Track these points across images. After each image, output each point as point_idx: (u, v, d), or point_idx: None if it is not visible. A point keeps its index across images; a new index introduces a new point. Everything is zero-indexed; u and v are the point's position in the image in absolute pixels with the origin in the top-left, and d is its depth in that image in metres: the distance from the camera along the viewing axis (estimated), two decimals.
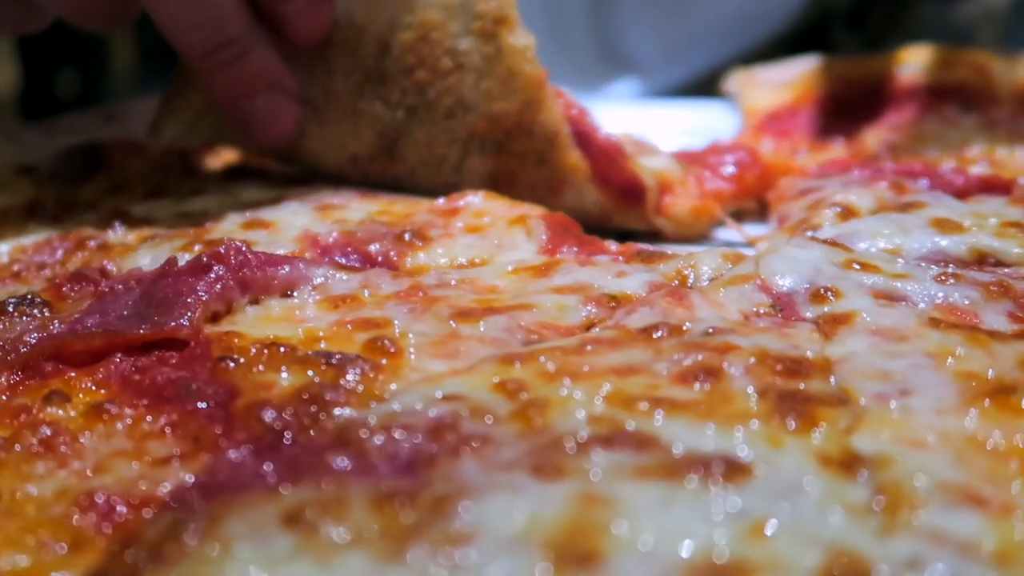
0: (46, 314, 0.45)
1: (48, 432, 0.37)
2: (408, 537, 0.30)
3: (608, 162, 0.59)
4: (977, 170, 0.60)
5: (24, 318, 0.45)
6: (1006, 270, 0.48)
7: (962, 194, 0.56)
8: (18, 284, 0.50)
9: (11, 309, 0.45)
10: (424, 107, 0.59)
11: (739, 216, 0.62)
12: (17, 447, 0.36)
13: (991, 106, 0.72)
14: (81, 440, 0.37)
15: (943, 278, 0.46)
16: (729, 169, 0.63)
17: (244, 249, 0.47)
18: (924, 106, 0.72)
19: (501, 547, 0.29)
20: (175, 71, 0.61)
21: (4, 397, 0.39)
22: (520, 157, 0.58)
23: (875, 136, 0.71)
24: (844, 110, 0.74)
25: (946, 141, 0.70)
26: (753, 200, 0.63)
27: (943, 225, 0.51)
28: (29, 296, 0.46)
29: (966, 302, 0.44)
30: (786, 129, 0.72)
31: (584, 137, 0.59)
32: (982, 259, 0.49)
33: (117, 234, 0.55)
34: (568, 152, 0.57)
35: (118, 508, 0.33)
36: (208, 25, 0.55)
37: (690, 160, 0.64)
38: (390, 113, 0.59)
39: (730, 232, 0.59)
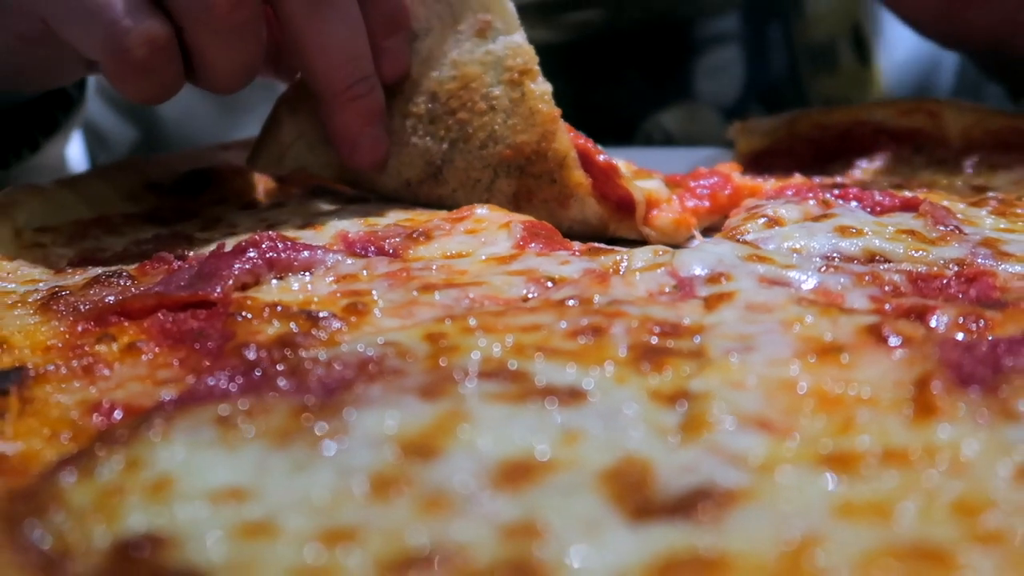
0: (128, 284, 0.48)
1: (90, 360, 0.39)
2: (297, 434, 0.31)
3: (606, 179, 0.60)
4: (908, 194, 0.58)
5: (111, 287, 0.48)
6: (885, 265, 0.46)
7: (883, 211, 0.55)
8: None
9: (103, 279, 0.48)
10: (463, 140, 0.61)
11: (713, 229, 0.61)
12: (63, 369, 0.39)
13: (940, 147, 0.69)
14: (113, 368, 0.39)
15: (824, 269, 0.45)
16: (705, 191, 0.63)
17: (275, 238, 0.49)
18: (884, 147, 0.70)
19: (363, 442, 0.30)
20: (269, 116, 0.63)
21: (70, 337, 0.42)
22: (537, 177, 0.60)
23: (839, 170, 0.69)
24: (817, 151, 0.72)
25: (898, 174, 0.68)
26: (724, 216, 0.62)
27: (845, 231, 0.50)
28: (120, 270, 0.49)
29: (838, 287, 0.43)
30: (767, 167, 0.71)
31: (587, 160, 0.60)
32: (872, 258, 0.47)
33: (204, 233, 0.58)
34: (574, 172, 0.59)
35: (116, 413, 0.36)
36: (351, 64, 0.57)
37: (675, 183, 0.64)
38: (437, 146, 0.61)
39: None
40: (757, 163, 0.72)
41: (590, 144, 0.61)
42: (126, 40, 0.52)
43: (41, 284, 0.50)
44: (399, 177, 0.62)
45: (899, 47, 0.94)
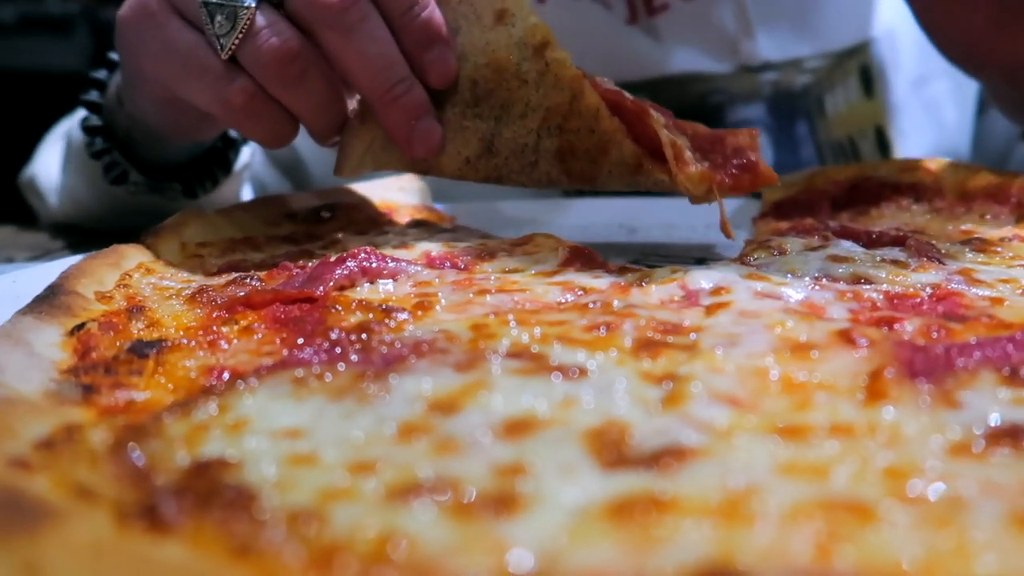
0: (257, 285, 0.50)
1: (214, 337, 0.41)
2: (352, 391, 0.31)
3: (637, 120, 0.56)
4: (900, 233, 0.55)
5: (244, 286, 0.49)
6: (867, 285, 0.44)
7: (874, 245, 0.52)
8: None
9: (238, 280, 0.50)
10: (506, 114, 0.59)
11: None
12: (193, 343, 0.40)
13: (937, 198, 0.66)
14: (231, 343, 0.40)
15: (812, 286, 0.43)
16: (732, 170, 0.57)
17: (370, 251, 0.50)
18: (887, 198, 0.67)
19: (401, 399, 0.30)
20: (343, 131, 0.62)
21: (206, 320, 0.44)
22: (575, 132, 0.57)
23: (848, 217, 0.67)
24: (831, 200, 0.70)
25: (898, 219, 0.64)
26: (743, 193, 0.58)
27: (837, 258, 0.47)
28: (253, 274, 0.51)
29: (822, 301, 0.41)
30: (787, 213, 0.68)
31: (617, 106, 0.57)
32: (857, 280, 0.45)
33: (323, 251, 0.59)
34: (608, 120, 0.56)
35: (224, 375, 0.36)
36: (386, 71, 0.57)
37: (704, 151, 0.57)
38: (484, 124, 0.60)
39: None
40: (779, 210, 0.70)
41: (617, 90, 0.58)
42: (227, 93, 0.55)
43: (193, 283, 0.52)
44: (459, 157, 0.61)
45: (920, 145, 0.89)
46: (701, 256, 0.63)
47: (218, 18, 0.55)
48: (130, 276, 0.51)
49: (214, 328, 0.42)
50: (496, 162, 0.60)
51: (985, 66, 0.67)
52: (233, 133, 0.76)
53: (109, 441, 0.28)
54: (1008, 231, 0.57)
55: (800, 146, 0.90)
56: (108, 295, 0.48)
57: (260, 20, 0.55)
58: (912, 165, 0.69)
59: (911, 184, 0.68)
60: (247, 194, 0.94)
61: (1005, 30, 0.61)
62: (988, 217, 0.62)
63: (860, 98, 0.90)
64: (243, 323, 0.42)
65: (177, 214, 0.60)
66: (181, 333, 0.42)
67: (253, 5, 0.55)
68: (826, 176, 0.71)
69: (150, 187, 0.73)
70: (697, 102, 0.84)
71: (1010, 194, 0.63)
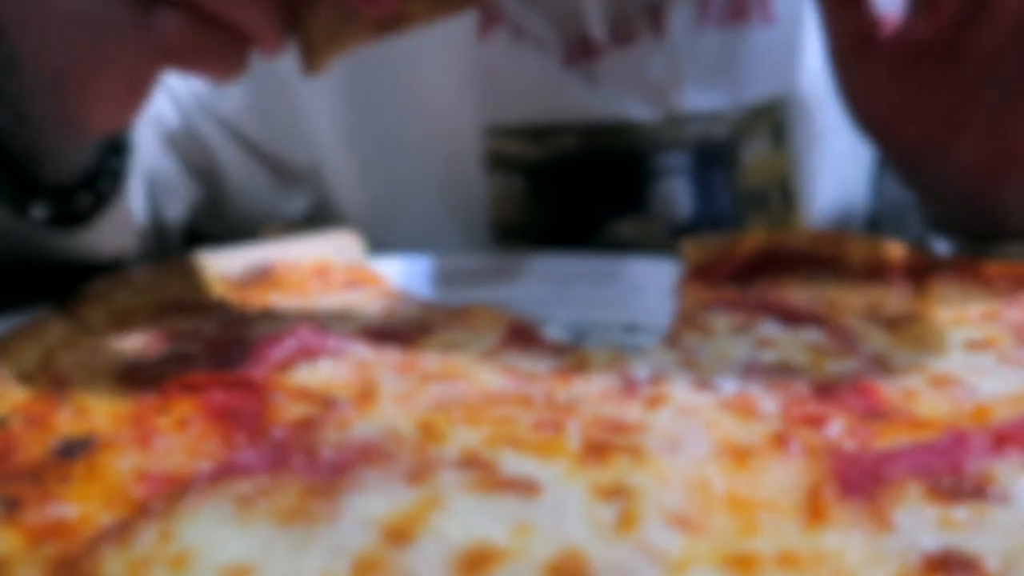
0: (192, 361, 0.47)
1: (148, 431, 0.38)
2: (301, 514, 0.30)
3: None
4: (816, 309, 0.57)
5: (178, 363, 0.46)
6: (793, 375, 0.45)
7: (794, 321, 0.53)
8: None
9: (173, 356, 0.47)
10: None
11: None
12: (126, 438, 0.37)
13: (844, 268, 0.68)
14: (166, 438, 0.38)
15: (743, 375, 0.43)
16: None
17: (310, 329, 0.48)
18: (800, 267, 0.69)
19: (352, 526, 0.29)
20: (298, 35, 0.53)
21: (138, 407, 0.41)
22: None
23: (767, 281, 0.68)
24: (751, 266, 0.71)
25: (811, 288, 0.66)
26: None
27: (763, 342, 0.48)
28: (187, 349, 0.48)
29: (754, 393, 0.41)
30: (709, 274, 0.69)
31: None
32: (783, 369, 0.46)
33: (260, 322, 0.57)
34: None
35: (161, 482, 0.34)
36: None
37: None
38: None
39: None
40: (701, 273, 0.71)
41: None
42: (159, 35, 0.47)
43: (123, 358, 0.49)
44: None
45: (821, 197, 0.92)
46: (630, 324, 0.63)
47: None
48: (54, 352, 0.48)
49: (147, 419, 0.39)
50: None
51: (898, 149, 0.70)
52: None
53: None
54: (913, 305, 0.59)
55: (718, 195, 0.92)
56: (31, 375, 0.44)
57: None
58: (822, 237, 0.71)
59: (821, 256, 0.70)
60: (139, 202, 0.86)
61: (944, 134, 0.62)
62: (894, 290, 0.64)
63: (770, 151, 0.93)
64: (178, 414, 0.40)
65: (102, 278, 0.56)
66: (112, 425, 0.39)
67: None
68: (746, 243, 0.73)
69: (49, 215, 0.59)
70: (625, 149, 0.85)
71: (915, 267, 0.65)
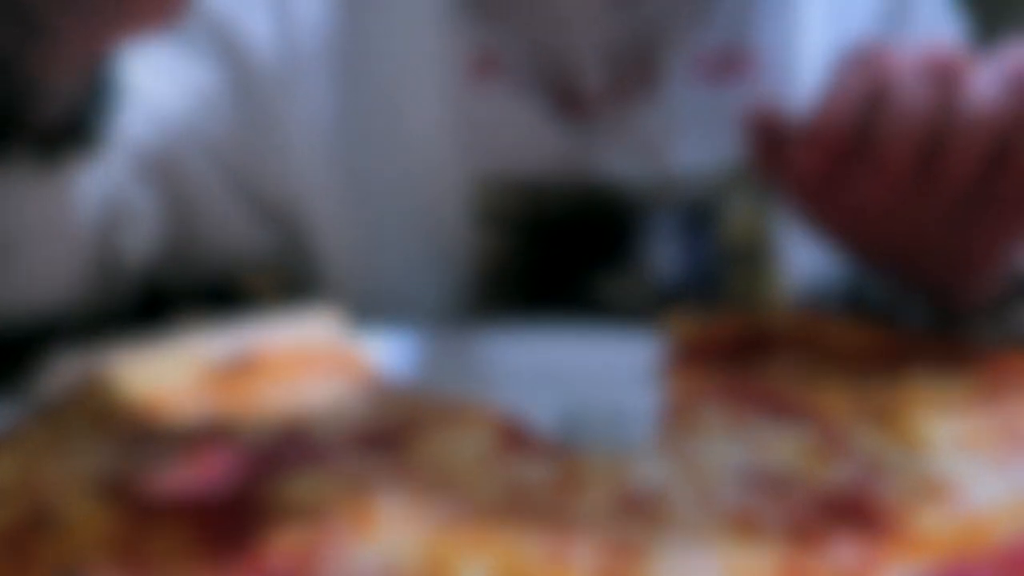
0: (180, 472, 0.45)
1: (135, 558, 0.36)
2: None
3: None
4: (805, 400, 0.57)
5: (161, 479, 0.45)
6: (793, 483, 0.44)
7: (786, 414, 0.53)
8: None
9: (153, 464, 0.45)
10: None
11: None
12: (111, 566, 0.36)
13: (826, 350, 0.68)
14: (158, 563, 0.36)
15: (743, 485, 0.43)
16: None
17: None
18: (785, 349, 0.69)
19: None
20: None
21: (123, 528, 0.39)
22: None
23: (756, 362, 0.68)
24: (736, 344, 0.71)
25: (796, 376, 0.66)
26: None
27: (759, 445, 0.48)
28: (174, 459, 0.46)
29: (755, 506, 0.41)
30: (697, 351, 0.69)
31: None
32: (782, 477, 0.45)
33: (248, 423, 0.55)
34: None
35: None
36: None
37: None
38: None
39: None
40: (688, 353, 0.70)
41: None
42: None
43: (105, 467, 0.47)
44: None
45: (805, 256, 0.92)
46: (616, 409, 0.62)
47: None
48: (34, 464, 0.46)
49: (133, 543, 0.38)
50: None
51: (853, 256, 0.69)
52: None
53: None
54: (896, 393, 0.60)
55: (704, 252, 0.92)
56: (10, 493, 0.42)
57: None
58: (803, 322, 0.71)
59: (803, 339, 0.70)
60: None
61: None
62: (876, 375, 0.65)
63: (755, 207, 0.93)
64: (167, 536, 0.38)
65: (81, 379, 0.54)
66: (100, 549, 0.37)
67: None
68: (731, 323, 0.73)
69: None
70: (613, 206, 0.85)
71: (894, 348, 0.66)
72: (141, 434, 0.52)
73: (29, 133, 0.50)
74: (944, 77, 0.49)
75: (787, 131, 0.55)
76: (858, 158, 0.52)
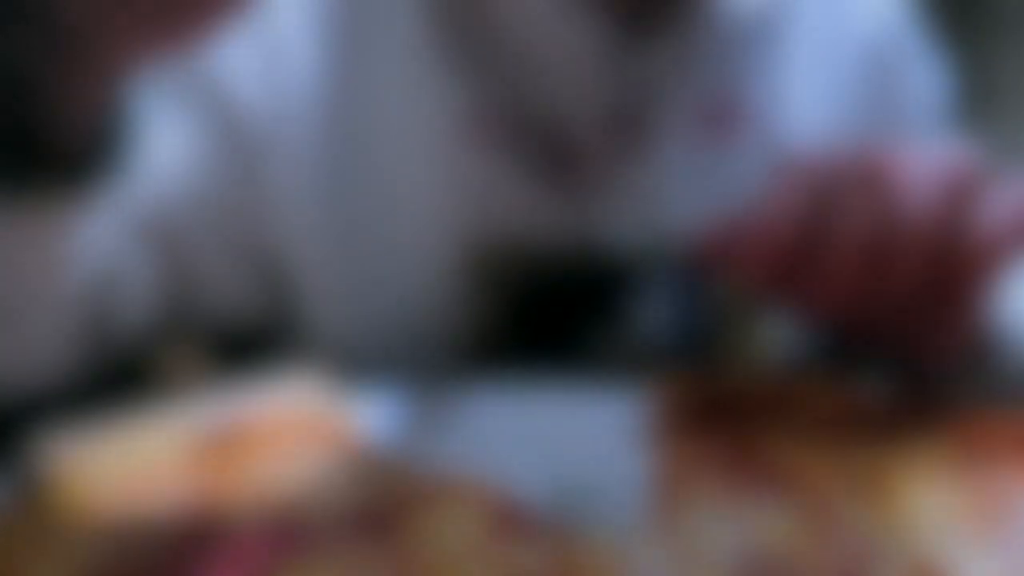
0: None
1: None
2: None
3: None
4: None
5: None
6: (786, 572, 0.45)
7: (775, 487, 0.54)
8: None
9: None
10: None
11: None
12: None
13: (810, 414, 0.69)
14: None
15: (739, 565, 0.43)
16: None
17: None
18: (768, 416, 0.70)
19: None
20: None
21: None
22: None
23: (747, 429, 0.69)
24: (717, 412, 0.71)
25: (780, 442, 0.67)
26: None
27: (752, 525, 0.48)
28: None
29: None
30: (681, 423, 0.69)
31: None
32: (776, 561, 0.46)
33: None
34: None
35: None
36: None
37: None
38: None
39: None
40: (681, 410, 0.70)
41: None
42: None
43: (97, 557, 0.46)
44: None
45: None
46: (605, 479, 0.61)
47: None
48: (15, 558, 0.44)
49: None
50: None
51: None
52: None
53: None
54: (879, 462, 0.60)
55: (697, 311, 0.93)
56: None
57: None
58: (790, 383, 0.72)
59: (791, 403, 0.71)
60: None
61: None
62: (859, 440, 0.65)
63: None
64: None
65: (63, 464, 0.52)
66: None
67: None
68: (712, 385, 0.74)
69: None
70: (604, 266, 0.85)
71: (876, 413, 0.67)
72: (126, 530, 0.51)
73: (35, 168, 0.45)
74: (884, 187, 0.51)
75: (734, 239, 0.57)
76: (801, 264, 0.54)
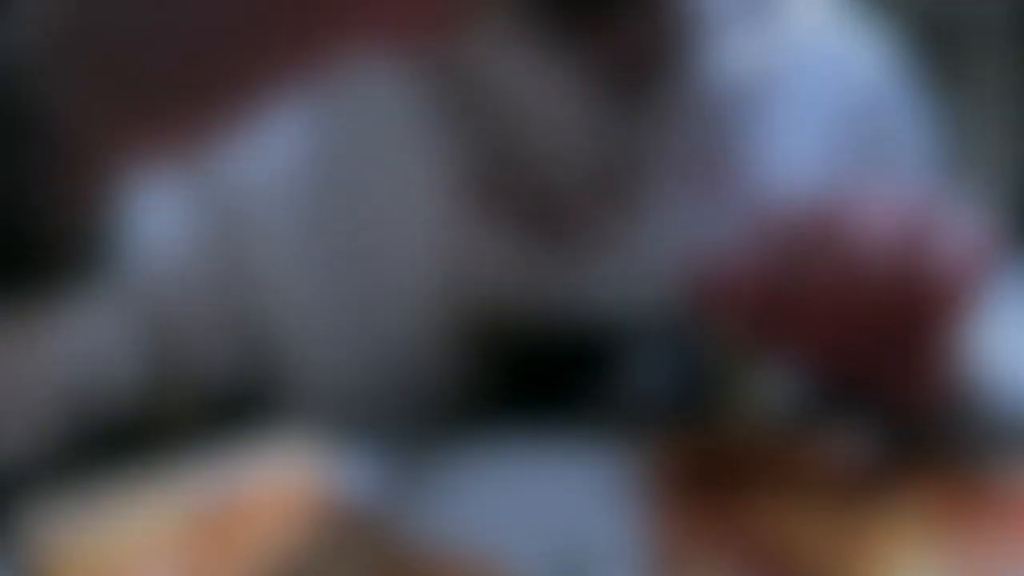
0: None
1: None
2: None
3: None
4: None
5: None
6: None
7: (768, 565, 0.53)
8: None
9: None
10: None
11: None
12: None
13: (800, 477, 0.69)
14: None
15: None
16: None
17: None
18: (765, 480, 0.69)
19: None
20: None
21: None
22: None
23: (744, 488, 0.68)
24: (721, 468, 0.71)
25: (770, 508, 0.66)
26: None
27: None
28: None
29: None
30: (678, 489, 0.69)
31: None
32: None
33: None
34: None
35: None
36: None
37: None
38: None
39: None
40: (672, 474, 0.69)
41: None
42: None
43: None
44: None
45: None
46: (594, 550, 0.61)
47: None
48: None
49: None
50: None
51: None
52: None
53: None
54: (869, 531, 0.60)
55: (691, 362, 0.92)
56: None
57: None
58: (780, 446, 0.72)
59: (782, 466, 0.70)
60: None
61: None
62: (848, 507, 0.65)
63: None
64: None
65: (54, 547, 0.51)
66: None
67: None
68: (708, 447, 0.73)
69: None
70: (593, 327, 0.85)
71: (867, 479, 0.66)
72: None
73: (26, 270, 0.44)
74: (840, 231, 0.51)
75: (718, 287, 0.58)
76: (776, 311, 0.55)
